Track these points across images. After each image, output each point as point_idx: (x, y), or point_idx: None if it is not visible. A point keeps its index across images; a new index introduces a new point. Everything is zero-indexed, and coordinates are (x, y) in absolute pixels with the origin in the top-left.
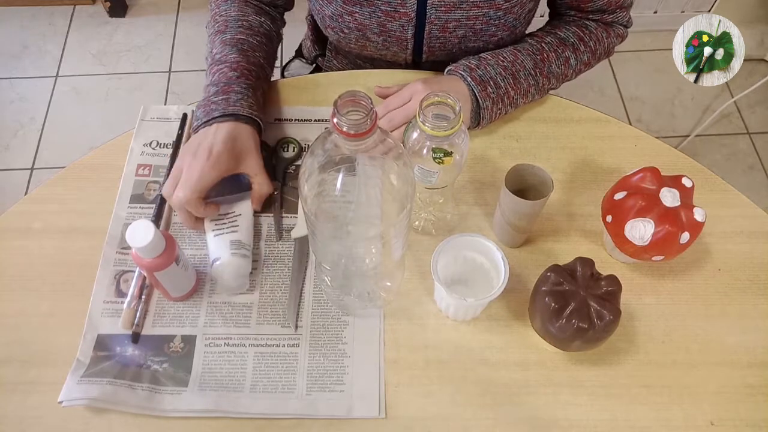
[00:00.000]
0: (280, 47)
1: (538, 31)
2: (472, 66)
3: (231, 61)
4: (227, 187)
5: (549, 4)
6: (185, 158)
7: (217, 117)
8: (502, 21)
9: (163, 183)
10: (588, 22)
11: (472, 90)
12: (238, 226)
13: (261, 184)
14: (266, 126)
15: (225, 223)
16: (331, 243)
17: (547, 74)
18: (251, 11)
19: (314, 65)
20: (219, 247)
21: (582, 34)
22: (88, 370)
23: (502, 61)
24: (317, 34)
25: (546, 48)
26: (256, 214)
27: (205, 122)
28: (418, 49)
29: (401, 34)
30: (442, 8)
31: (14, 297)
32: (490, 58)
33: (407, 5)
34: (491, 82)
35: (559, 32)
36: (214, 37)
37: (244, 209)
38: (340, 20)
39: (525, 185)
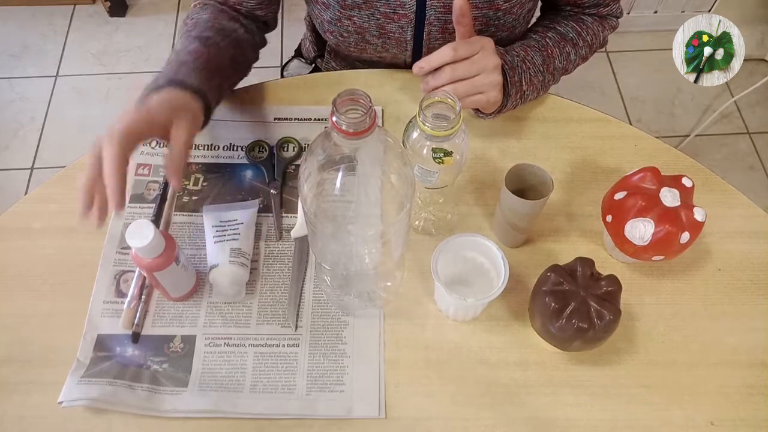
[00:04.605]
0: (279, 46)
1: (537, 26)
2: (501, 52)
3: (190, 50)
4: (230, 194)
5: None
6: None
7: (162, 85)
8: (502, 22)
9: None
10: (584, 17)
11: (506, 74)
12: (239, 234)
13: (175, 147)
14: (215, 108)
15: (226, 230)
16: (331, 243)
17: (553, 71)
18: (224, 17)
19: (313, 65)
20: (218, 253)
21: (580, 29)
22: (88, 370)
23: (518, 56)
24: (316, 35)
25: (550, 44)
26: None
27: (151, 91)
28: (418, 50)
29: (400, 35)
30: (441, 9)
31: (14, 297)
32: (504, 52)
33: (406, 7)
34: (517, 70)
35: (558, 27)
36: (180, 36)
37: (247, 218)
38: (338, 24)
39: (525, 185)
